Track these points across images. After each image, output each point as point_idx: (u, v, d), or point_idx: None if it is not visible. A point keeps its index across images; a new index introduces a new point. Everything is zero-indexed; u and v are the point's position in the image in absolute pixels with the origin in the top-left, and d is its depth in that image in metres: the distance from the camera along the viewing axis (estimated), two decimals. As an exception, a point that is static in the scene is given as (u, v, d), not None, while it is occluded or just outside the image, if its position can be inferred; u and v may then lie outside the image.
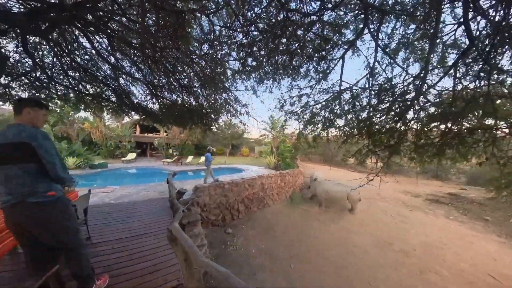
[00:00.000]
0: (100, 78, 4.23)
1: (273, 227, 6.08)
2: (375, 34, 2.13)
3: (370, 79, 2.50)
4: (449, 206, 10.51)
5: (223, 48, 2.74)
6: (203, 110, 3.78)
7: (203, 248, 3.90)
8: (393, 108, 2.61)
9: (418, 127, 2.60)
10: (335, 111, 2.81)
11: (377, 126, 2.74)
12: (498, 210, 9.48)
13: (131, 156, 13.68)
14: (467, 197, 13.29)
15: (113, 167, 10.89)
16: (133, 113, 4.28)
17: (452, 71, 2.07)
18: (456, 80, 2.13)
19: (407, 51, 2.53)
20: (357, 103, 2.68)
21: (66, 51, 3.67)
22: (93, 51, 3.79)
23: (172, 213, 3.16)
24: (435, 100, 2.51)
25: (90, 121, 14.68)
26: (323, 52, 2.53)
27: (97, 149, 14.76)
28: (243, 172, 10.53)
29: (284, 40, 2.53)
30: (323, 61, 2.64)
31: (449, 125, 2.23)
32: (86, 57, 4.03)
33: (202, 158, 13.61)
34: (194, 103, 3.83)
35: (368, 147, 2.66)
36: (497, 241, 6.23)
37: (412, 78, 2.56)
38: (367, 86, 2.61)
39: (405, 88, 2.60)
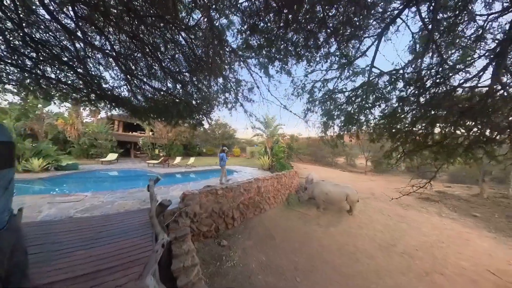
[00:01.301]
0: (63, 59, 3.37)
1: (272, 235, 5.53)
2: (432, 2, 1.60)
3: (416, 63, 1.99)
4: (439, 204, 10.73)
5: (222, 13, 2.08)
6: (193, 101, 3.07)
7: (195, 268, 3.20)
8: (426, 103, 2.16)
9: (447, 125, 2.21)
10: (364, 104, 2.27)
11: (406, 125, 2.27)
12: (483, 206, 10.00)
13: (112, 156, 12.39)
14: (453, 194, 14.20)
15: (90, 169, 9.68)
16: (102, 104, 3.44)
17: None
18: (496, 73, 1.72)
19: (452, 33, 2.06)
20: (390, 95, 2.17)
21: (17, 20, 2.81)
22: (54, 22, 2.96)
23: (153, 234, 2.42)
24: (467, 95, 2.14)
25: (64, 117, 13.15)
26: (353, 29, 1.96)
27: (71, 149, 13.25)
28: (236, 174, 9.83)
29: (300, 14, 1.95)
30: (351, 42, 2.07)
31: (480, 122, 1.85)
32: (46, 31, 3.15)
33: (191, 159, 12.69)
34: (181, 92, 3.11)
35: (403, 148, 2.16)
36: (489, 236, 6.46)
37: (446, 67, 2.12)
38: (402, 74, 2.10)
39: (436, 79, 2.16)
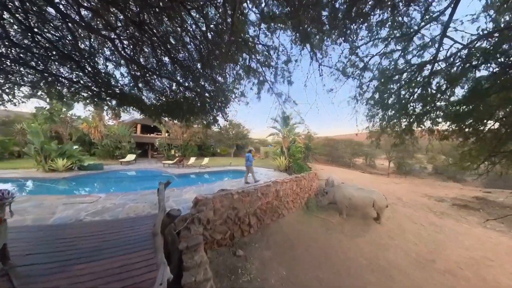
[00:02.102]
0: (74, 57, 3.25)
1: (293, 244, 5.02)
2: None
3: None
4: (481, 212, 9.38)
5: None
6: (206, 94, 2.71)
7: (208, 283, 2.83)
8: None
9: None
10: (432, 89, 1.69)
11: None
12: (536, 217, 8.72)
13: (131, 157, 12.77)
14: (496, 201, 12.67)
15: (110, 169, 9.99)
16: (113, 102, 3.25)
17: None
18: None
19: None
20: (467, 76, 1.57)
21: (25, 20, 2.73)
22: (61, 19, 2.83)
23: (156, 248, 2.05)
24: None
25: (89, 120, 13.91)
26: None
27: (95, 150, 13.98)
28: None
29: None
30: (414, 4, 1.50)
31: None
32: (55, 29, 3.06)
33: (205, 160, 12.59)
34: (192, 85, 2.77)
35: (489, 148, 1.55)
36: (548, 255, 5.36)
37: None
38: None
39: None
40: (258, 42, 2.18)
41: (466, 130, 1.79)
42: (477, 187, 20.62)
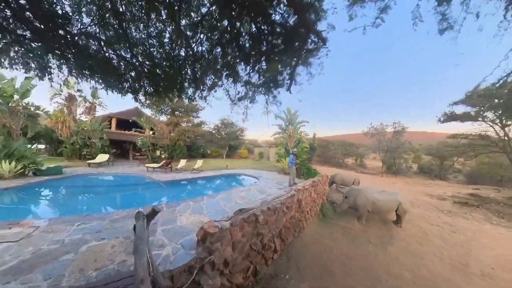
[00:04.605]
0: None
1: (327, 266, 4.00)
2: None
3: None
4: (481, 209, 9.66)
5: None
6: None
7: None
8: None
9: None
10: None
11: None
12: (529, 210, 8.47)
13: (102, 157, 10.57)
14: (488, 197, 13.03)
15: (77, 173, 7.99)
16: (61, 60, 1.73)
17: None
18: None
19: None
20: None
21: None
22: None
23: None
24: None
25: (56, 114, 11.53)
26: None
27: (63, 149, 11.66)
28: (258, 181, 7.94)
29: None
30: None
31: None
32: None
33: (199, 162, 10.87)
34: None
35: None
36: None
37: None
38: None
39: None
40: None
41: None
42: (458, 183, 21.53)
